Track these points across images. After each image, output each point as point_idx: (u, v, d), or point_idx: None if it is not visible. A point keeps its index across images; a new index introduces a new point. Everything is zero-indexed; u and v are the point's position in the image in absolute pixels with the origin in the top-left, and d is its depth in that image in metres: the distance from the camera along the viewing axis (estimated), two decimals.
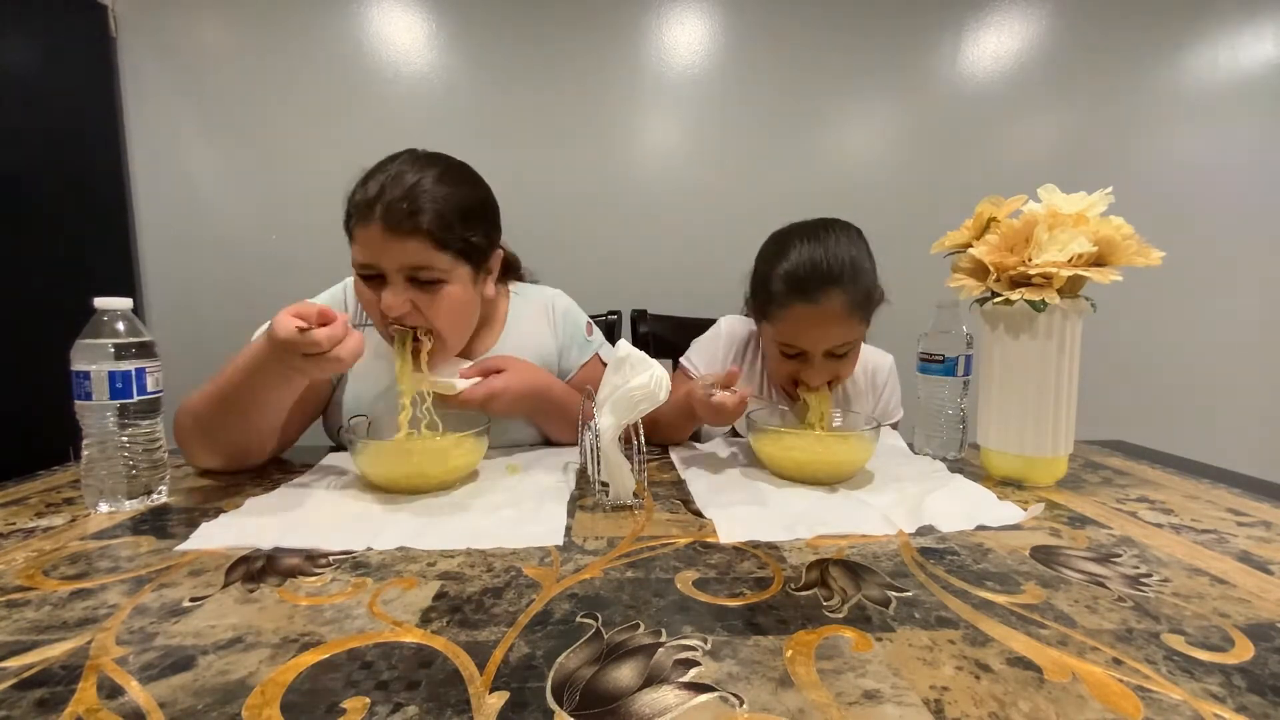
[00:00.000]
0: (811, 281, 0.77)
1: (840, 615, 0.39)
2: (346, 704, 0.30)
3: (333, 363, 0.59)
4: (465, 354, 0.84)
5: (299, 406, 0.75)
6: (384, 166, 0.71)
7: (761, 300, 0.85)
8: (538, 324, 0.92)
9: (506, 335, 0.89)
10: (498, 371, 0.78)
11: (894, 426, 1.04)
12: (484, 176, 0.83)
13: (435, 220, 0.68)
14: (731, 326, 1.03)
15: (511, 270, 0.96)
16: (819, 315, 0.78)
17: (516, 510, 0.58)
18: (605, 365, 0.89)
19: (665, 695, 0.31)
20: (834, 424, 0.81)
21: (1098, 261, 0.63)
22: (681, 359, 1.02)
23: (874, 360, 1.03)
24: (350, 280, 0.86)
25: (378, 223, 0.67)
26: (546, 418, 0.86)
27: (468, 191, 0.74)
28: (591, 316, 1.26)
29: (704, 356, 1.01)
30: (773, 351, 0.87)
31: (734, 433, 0.98)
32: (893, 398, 1.03)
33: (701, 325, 1.08)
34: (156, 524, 0.55)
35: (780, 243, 0.84)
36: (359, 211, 0.68)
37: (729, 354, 1.01)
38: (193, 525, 0.54)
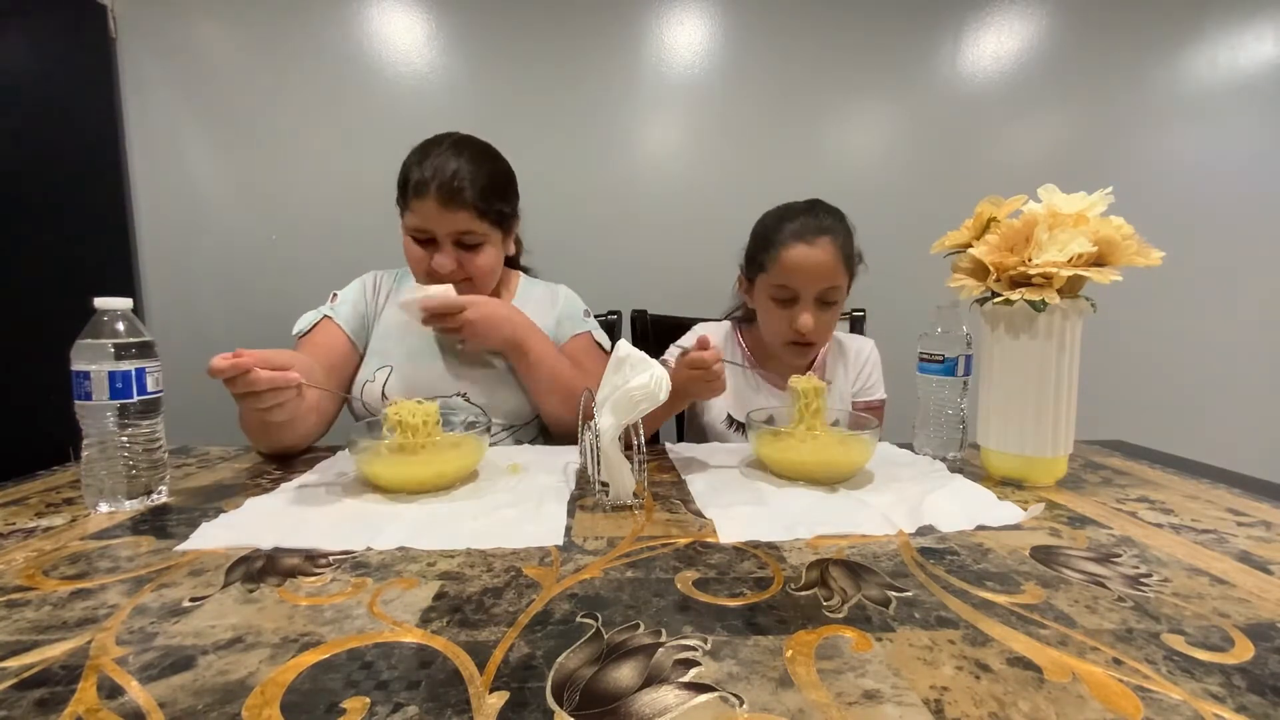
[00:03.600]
0: (809, 229, 0.91)
1: (840, 615, 0.39)
2: (346, 704, 0.30)
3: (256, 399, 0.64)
4: None
5: (335, 379, 0.90)
6: (430, 150, 0.87)
7: (761, 252, 0.95)
8: (540, 305, 1.04)
9: (516, 304, 1.00)
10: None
11: (879, 404, 1.11)
12: None
13: (477, 196, 0.86)
14: (707, 329, 1.10)
15: (517, 252, 1.12)
16: (815, 255, 0.90)
17: (516, 510, 0.58)
18: (597, 344, 1.04)
19: (665, 695, 0.31)
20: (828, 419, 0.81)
21: (1098, 261, 0.62)
22: (663, 357, 1.04)
23: (855, 343, 1.12)
24: (370, 275, 1.01)
25: (432, 199, 0.84)
26: (523, 359, 0.90)
27: (498, 168, 0.92)
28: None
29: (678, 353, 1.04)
30: (766, 306, 0.96)
31: (734, 422, 0.99)
32: (873, 375, 1.11)
33: None
34: (156, 524, 0.55)
35: (778, 210, 0.98)
36: (416, 188, 0.85)
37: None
38: (193, 525, 0.54)
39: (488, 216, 0.88)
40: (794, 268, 0.91)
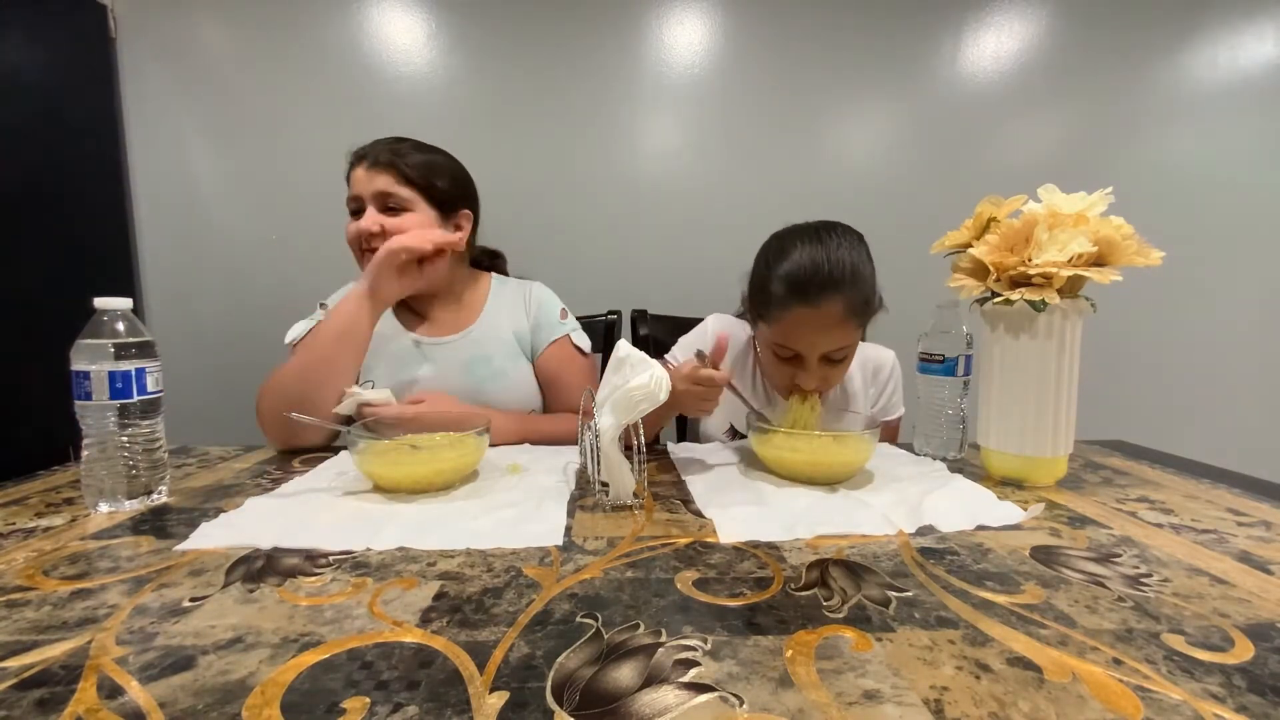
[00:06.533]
0: (812, 285, 0.77)
1: (840, 615, 0.39)
2: (346, 704, 0.30)
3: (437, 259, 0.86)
4: (458, 323, 0.98)
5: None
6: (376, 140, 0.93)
7: (760, 301, 0.84)
8: (513, 309, 1.03)
9: (485, 316, 1.00)
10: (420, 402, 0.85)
11: (896, 422, 1.04)
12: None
13: (403, 163, 0.90)
14: (719, 325, 1.03)
15: (497, 265, 1.11)
16: (818, 318, 0.78)
17: (516, 510, 0.58)
18: (576, 347, 1.02)
19: (665, 695, 0.31)
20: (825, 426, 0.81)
21: (1098, 261, 0.63)
22: (667, 355, 1.02)
23: (875, 357, 1.02)
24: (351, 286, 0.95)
25: (362, 164, 0.90)
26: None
27: (440, 156, 0.96)
28: (591, 316, 1.26)
29: (690, 354, 1.00)
30: (768, 354, 0.87)
31: (735, 434, 0.98)
32: (895, 394, 1.03)
33: None
34: (156, 524, 0.55)
35: (781, 244, 0.83)
36: (352, 161, 0.92)
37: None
38: (193, 525, 0.54)
39: (414, 184, 0.90)
40: (795, 332, 0.80)
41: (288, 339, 0.94)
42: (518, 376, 0.98)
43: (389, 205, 0.90)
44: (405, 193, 0.90)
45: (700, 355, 0.74)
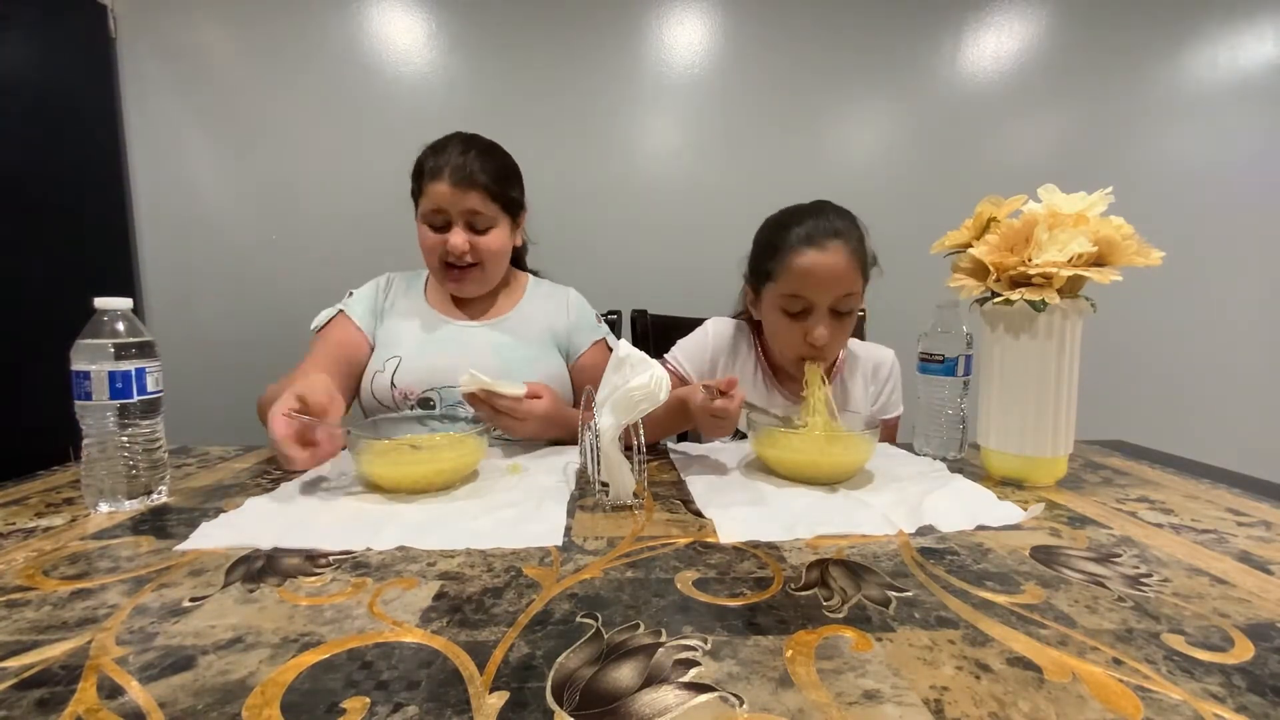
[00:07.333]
0: (819, 233, 0.84)
1: (840, 615, 0.39)
2: (346, 704, 0.30)
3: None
4: (491, 311, 1.03)
5: (344, 379, 0.92)
6: (442, 144, 0.94)
7: (767, 263, 0.89)
8: (554, 304, 1.07)
9: (525, 302, 1.05)
10: (538, 397, 0.83)
11: (895, 420, 1.04)
12: None
13: (488, 179, 0.92)
14: (719, 328, 1.04)
15: (520, 256, 1.13)
16: (827, 262, 0.83)
17: (516, 510, 0.58)
18: (611, 350, 0.99)
19: (665, 695, 0.31)
20: (837, 413, 0.81)
21: (1098, 261, 0.63)
22: (667, 355, 1.03)
23: (874, 356, 1.04)
24: (384, 276, 1.06)
25: (446, 181, 0.89)
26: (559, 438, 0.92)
27: (506, 159, 0.98)
28: None
29: (691, 358, 1.01)
30: (775, 317, 0.89)
31: (737, 434, 0.98)
32: (894, 392, 1.04)
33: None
34: (156, 524, 0.55)
35: (783, 215, 0.91)
36: (431, 174, 0.91)
37: (717, 357, 1.02)
38: (193, 525, 0.54)
39: (497, 199, 0.94)
40: (805, 275, 0.84)
41: (313, 325, 0.98)
42: (546, 365, 1.00)
43: (476, 224, 0.93)
44: (492, 210, 0.94)
45: (708, 389, 0.75)
